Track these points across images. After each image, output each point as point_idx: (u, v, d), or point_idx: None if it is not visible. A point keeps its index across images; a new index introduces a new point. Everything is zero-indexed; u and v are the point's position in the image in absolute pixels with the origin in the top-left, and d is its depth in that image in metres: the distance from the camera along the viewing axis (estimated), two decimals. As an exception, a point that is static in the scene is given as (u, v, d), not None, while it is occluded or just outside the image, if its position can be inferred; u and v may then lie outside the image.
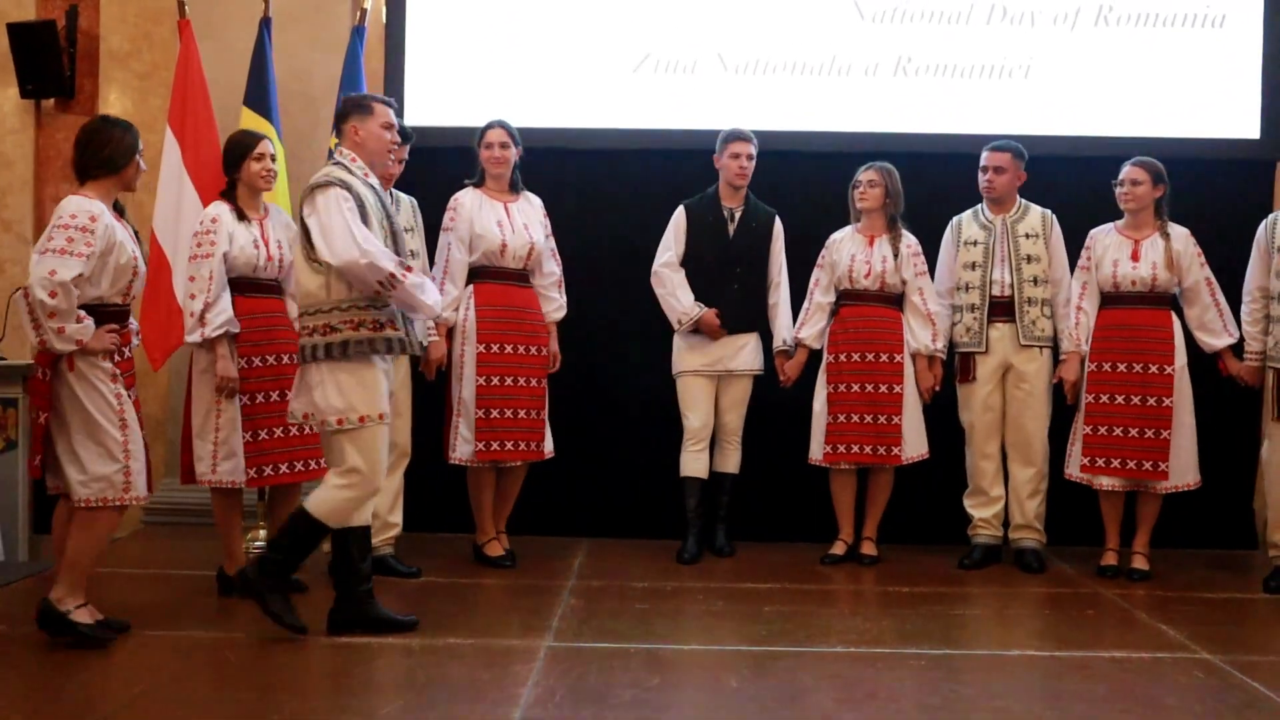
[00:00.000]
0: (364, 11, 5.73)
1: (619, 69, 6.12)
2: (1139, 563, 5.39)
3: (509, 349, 5.25)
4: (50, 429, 4.00)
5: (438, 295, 4.32)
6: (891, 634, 4.31)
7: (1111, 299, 5.41)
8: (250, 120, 5.45)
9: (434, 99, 6.10)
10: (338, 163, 4.21)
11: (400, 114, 5.87)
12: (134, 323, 4.27)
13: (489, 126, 5.32)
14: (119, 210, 4.15)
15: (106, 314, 4.02)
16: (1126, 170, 5.40)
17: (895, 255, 5.43)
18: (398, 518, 5.20)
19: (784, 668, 3.91)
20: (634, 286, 5.70)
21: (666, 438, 5.71)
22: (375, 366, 4.10)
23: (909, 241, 5.49)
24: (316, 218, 4.04)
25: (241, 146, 4.68)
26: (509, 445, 5.23)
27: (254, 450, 4.61)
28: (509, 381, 5.24)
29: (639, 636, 4.21)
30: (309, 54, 6.00)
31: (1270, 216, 5.32)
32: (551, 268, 5.45)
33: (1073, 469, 5.48)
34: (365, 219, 4.07)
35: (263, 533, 5.34)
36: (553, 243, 5.47)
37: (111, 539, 4.24)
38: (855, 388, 5.40)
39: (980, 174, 5.50)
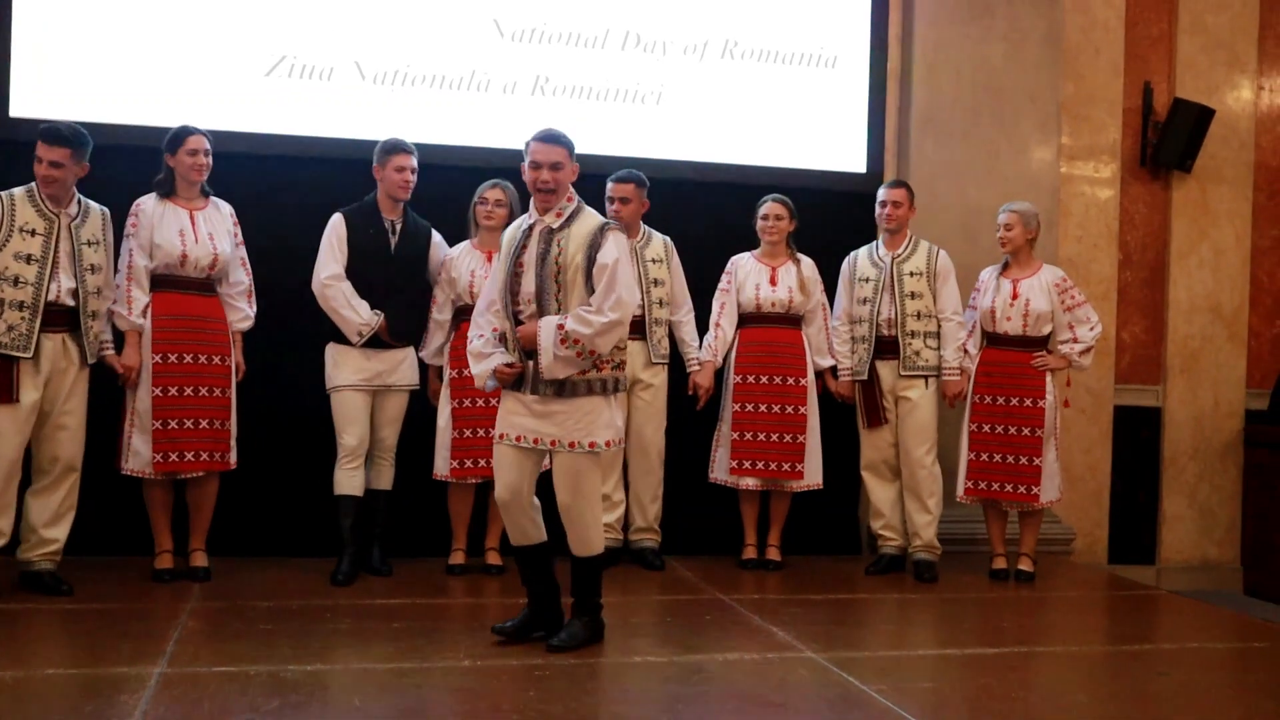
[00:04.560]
0: (-42, -9, 5.27)
1: (252, 71, 5.90)
2: (773, 554, 5.96)
3: (188, 358, 5.08)
4: None
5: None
6: (517, 646, 4.34)
7: (753, 319, 5.89)
8: None
9: (47, 92, 5.63)
10: None
11: (4, 107, 5.54)
12: None
13: (190, 133, 5.11)
14: None
15: None
16: (768, 206, 5.87)
17: None
18: (55, 534, 4.91)
19: (410, 684, 3.88)
20: (272, 296, 5.47)
21: (315, 453, 5.56)
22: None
23: None
24: None
25: None
26: (189, 455, 5.07)
27: None
28: (188, 391, 5.08)
29: (261, 659, 4.05)
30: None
31: (852, 253, 6.02)
32: (240, 277, 5.29)
33: (717, 473, 5.95)
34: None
35: None
36: (243, 251, 5.31)
37: None
38: (480, 403, 5.40)
39: (607, 204, 5.71)
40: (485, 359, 4.32)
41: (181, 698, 3.61)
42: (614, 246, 4.20)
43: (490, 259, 5.48)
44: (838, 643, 4.57)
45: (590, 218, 4.28)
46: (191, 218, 5.14)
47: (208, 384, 5.12)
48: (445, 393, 5.51)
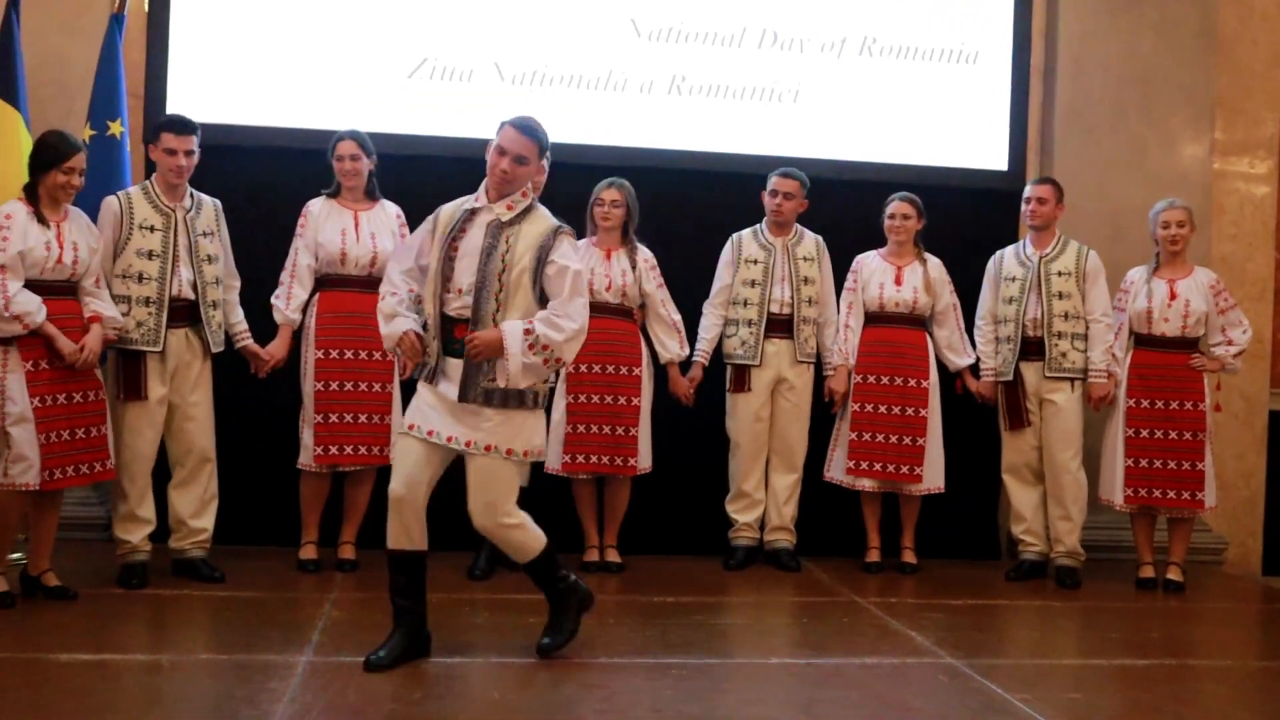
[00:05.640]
0: (123, -1, 5.47)
1: (394, 73, 6.01)
2: (908, 557, 5.86)
3: (349, 354, 5.23)
4: None
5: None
6: (655, 643, 4.36)
7: (876, 318, 5.80)
8: (-6, 107, 5.15)
9: (202, 95, 5.81)
10: None
11: (162, 109, 5.74)
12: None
13: (340, 139, 5.31)
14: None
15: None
16: (895, 205, 5.79)
17: (633, 268, 5.52)
18: (202, 523, 5.07)
19: (548, 679, 3.90)
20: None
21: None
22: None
23: (645, 255, 5.61)
24: None
25: (52, 153, 4.52)
26: (348, 449, 5.22)
27: (45, 452, 4.43)
28: (349, 387, 5.22)
29: (402, 650, 4.13)
30: (62, 39, 5.65)
31: (998, 252, 5.90)
32: None
33: (834, 472, 5.87)
34: None
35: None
36: None
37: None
38: (595, 399, 5.44)
39: (769, 197, 5.72)
40: (394, 320, 3.94)
41: (327, 686, 3.69)
42: (570, 251, 3.91)
43: (609, 257, 5.52)
44: (979, 649, 4.47)
45: (543, 219, 3.95)
46: (355, 218, 5.29)
47: (368, 379, 5.24)
48: (561, 386, 5.50)
